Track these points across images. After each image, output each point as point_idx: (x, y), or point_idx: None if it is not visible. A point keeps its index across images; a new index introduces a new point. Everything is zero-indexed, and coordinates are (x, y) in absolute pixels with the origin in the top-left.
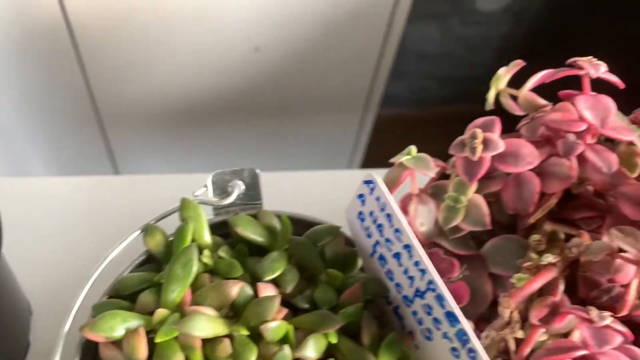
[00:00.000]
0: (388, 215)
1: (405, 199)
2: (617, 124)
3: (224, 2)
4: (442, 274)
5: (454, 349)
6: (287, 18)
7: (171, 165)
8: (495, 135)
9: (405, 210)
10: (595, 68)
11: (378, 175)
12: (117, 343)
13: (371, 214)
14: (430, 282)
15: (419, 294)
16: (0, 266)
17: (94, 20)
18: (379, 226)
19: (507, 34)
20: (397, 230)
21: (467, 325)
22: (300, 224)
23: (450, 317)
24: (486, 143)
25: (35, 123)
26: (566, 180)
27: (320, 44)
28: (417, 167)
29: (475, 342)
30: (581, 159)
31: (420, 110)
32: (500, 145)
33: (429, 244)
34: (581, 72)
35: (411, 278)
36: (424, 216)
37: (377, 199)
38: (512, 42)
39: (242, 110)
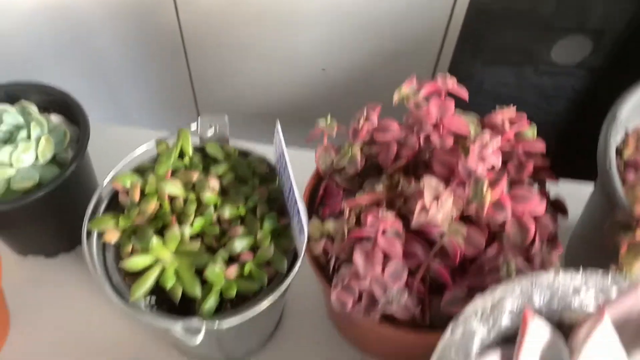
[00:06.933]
0: (282, 156)
1: (318, 148)
2: (456, 121)
3: (299, 30)
4: (332, 197)
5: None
6: (350, 44)
7: None
8: (374, 116)
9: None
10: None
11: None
12: (127, 192)
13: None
14: (291, 189)
15: (291, 196)
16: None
17: (200, 28)
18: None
19: (580, 87)
20: (285, 166)
21: (302, 211)
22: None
23: (296, 207)
24: (367, 119)
25: (149, 109)
26: (412, 149)
27: (378, 67)
28: (327, 129)
29: (303, 220)
30: (428, 139)
31: None
32: (375, 121)
33: (326, 177)
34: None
35: (290, 189)
36: (324, 159)
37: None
38: (584, 95)
39: (308, 120)
